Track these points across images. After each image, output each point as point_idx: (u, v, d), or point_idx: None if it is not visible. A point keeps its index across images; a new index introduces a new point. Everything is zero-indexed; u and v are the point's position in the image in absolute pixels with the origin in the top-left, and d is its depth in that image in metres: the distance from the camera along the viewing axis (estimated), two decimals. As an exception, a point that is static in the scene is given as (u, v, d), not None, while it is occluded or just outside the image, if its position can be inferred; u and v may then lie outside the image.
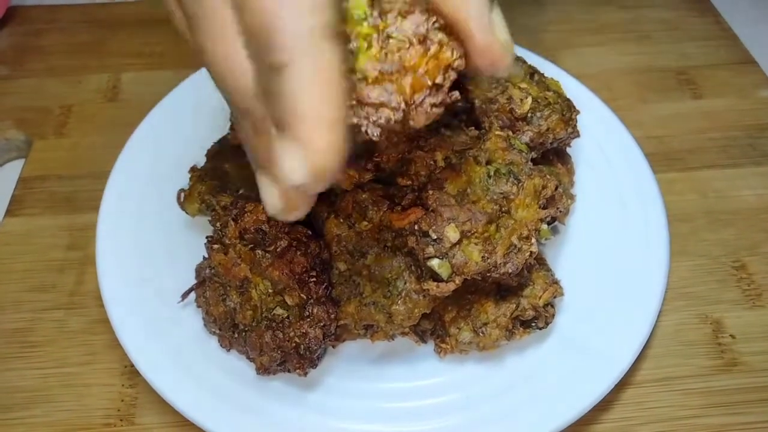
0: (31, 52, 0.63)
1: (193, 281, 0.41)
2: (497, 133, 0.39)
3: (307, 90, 0.22)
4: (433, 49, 0.25)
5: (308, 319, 0.37)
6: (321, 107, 0.22)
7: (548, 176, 0.39)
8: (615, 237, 0.45)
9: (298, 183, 0.23)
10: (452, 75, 0.26)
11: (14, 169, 0.55)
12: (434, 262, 0.35)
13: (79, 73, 0.61)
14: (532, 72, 0.44)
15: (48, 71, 0.62)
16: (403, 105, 0.25)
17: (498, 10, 0.27)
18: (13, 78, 0.61)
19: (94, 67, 0.62)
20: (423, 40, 0.25)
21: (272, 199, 0.26)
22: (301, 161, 0.22)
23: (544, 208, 0.38)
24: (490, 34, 0.25)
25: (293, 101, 0.22)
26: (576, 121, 0.43)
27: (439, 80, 0.25)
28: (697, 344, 0.44)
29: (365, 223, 0.38)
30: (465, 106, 0.43)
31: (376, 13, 0.25)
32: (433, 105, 0.25)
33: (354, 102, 0.24)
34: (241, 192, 0.42)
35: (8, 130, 0.56)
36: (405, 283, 0.38)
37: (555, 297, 0.40)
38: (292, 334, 0.36)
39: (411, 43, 0.25)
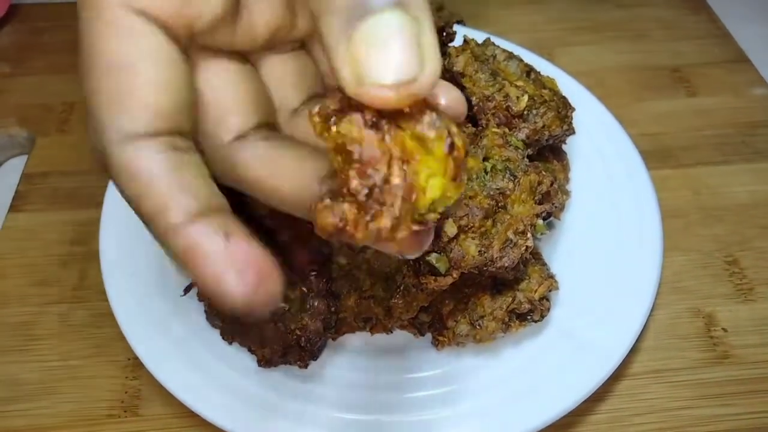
0: (33, 50, 0.64)
1: (195, 275, 0.42)
2: (494, 130, 0.40)
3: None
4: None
5: (309, 312, 0.37)
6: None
7: (544, 172, 0.39)
8: (610, 232, 0.46)
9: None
10: None
11: (17, 165, 0.55)
12: (432, 257, 0.36)
13: (80, 70, 0.62)
14: (529, 70, 0.45)
15: (50, 69, 0.62)
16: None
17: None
18: (16, 75, 0.62)
19: (95, 64, 0.62)
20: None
21: None
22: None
23: (540, 203, 0.39)
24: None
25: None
26: (571, 119, 0.44)
27: None
28: (690, 337, 0.45)
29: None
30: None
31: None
32: None
33: None
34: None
35: (11, 127, 0.57)
36: (403, 277, 0.38)
37: (550, 291, 0.40)
38: (293, 326, 0.37)
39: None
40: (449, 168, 0.20)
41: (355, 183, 0.20)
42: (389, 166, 0.20)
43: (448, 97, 0.24)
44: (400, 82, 0.19)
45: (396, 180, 0.20)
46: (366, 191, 0.20)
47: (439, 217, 0.21)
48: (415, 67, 0.19)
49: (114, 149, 0.22)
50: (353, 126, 0.20)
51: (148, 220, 0.22)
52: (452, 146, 0.20)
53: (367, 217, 0.20)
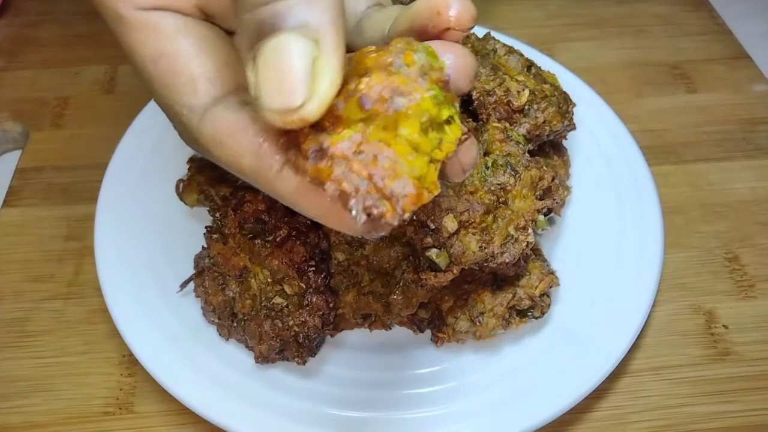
0: (27, 44, 0.63)
1: (191, 271, 0.41)
2: (495, 124, 0.40)
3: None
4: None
5: (307, 308, 0.37)
6: None
7: (545, 168, 0.39)
8: (610, 229, 0.46)
9: None
10: None
11: (11, 160, 0.55)
12: (432, 252, 0.36)
13: (75, 64, 0.61)
14: (529, 65, 0.45)
15: (44, 63, 0.61)
16: None
17: None
18: (9, 69, 0.61)
19: (90, 58, 0.62)
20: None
21: None
22: None
23: (541, 199, 0.38)
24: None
25: None
26: (572, 114, 0.43)
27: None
28: (691, 334, 0.45)
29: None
30: (463, 98, 0.43)
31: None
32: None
33: None
34: (240, 182, 0.42)
35: (5, 122, 0.56)
36: (403, 273, 0.38)
37: (551, 287, 0.40)
38: (291, 322, 0.37)
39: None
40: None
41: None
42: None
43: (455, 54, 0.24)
44: (285, 110, 0.20)
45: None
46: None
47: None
48: (300, 96, 0.19)
49: (195, 124, 0.24)
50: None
51: (253, 177, 0.23)
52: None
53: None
